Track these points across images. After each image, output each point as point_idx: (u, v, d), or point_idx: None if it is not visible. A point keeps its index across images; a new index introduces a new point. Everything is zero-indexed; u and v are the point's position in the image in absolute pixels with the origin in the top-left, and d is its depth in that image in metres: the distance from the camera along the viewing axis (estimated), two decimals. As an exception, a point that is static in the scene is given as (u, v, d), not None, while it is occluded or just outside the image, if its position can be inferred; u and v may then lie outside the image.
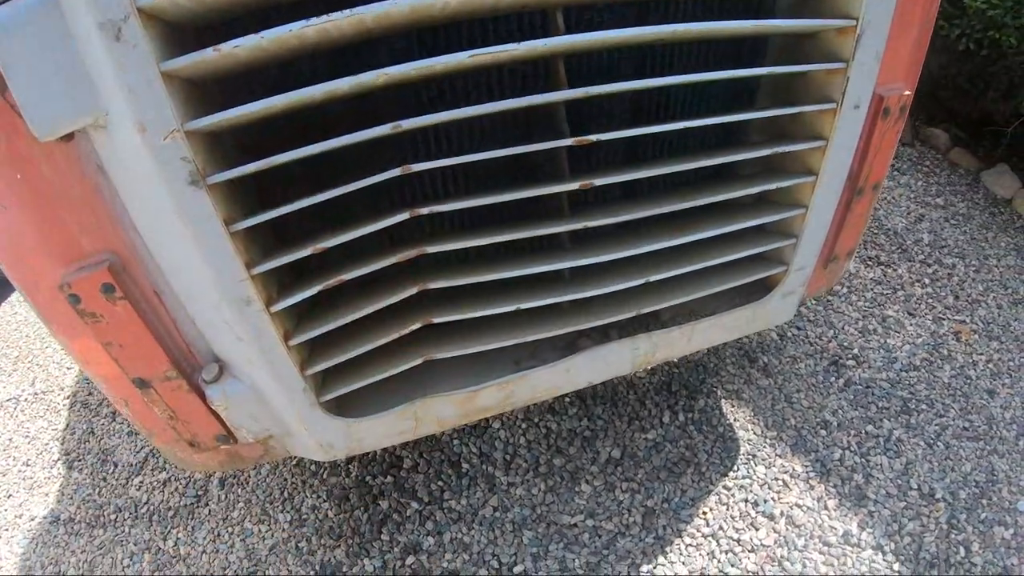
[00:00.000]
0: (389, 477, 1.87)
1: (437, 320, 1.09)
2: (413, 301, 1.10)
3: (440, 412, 1.20)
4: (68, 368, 2.72)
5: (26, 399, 2.64)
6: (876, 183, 1.39)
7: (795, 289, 1.35)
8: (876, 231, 2.74)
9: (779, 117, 1.18)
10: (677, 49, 1.15)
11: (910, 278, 2.50)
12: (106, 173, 0.91)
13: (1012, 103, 2.94)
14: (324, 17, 0.79)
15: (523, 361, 1.23)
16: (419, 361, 1.14)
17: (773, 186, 1.16)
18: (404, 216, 0.96)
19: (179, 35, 0.86)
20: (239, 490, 1.95)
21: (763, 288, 1.34)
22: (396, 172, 0.92)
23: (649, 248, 1.09)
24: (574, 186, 0.98)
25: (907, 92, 1.27)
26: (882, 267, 2.56)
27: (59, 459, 2.29)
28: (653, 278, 1.12)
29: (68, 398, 2.59)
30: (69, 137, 0.86)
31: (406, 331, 1.10)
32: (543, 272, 1.08)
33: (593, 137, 0.94)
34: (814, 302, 2.36)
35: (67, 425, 2.44)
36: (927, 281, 2.49)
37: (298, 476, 1.95)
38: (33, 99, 0.78)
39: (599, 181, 0.98)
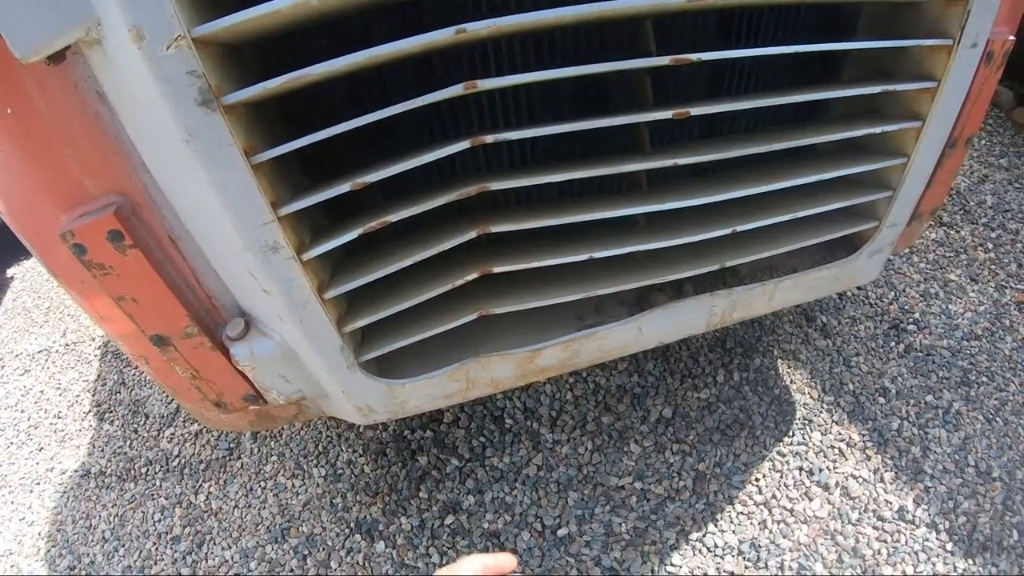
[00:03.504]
0: (428, 432, 1.80)
1: (497, 269, 0.97)
2: (469, 248, 0.97)
3: (496, 373, 1.10)
4: (97, 316, 2.68)
5: (57, 350, 2.62)
6: (970, 137, 1.27)
7: (884, 247, 1.23)
8: (945, 189, 2.60)
9: (881, 53, 1.06)
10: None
11: (973, 241, 2.37)
12: (107, 100, 0.77)
13: (1083, 60, 2.77)
14: None
15: (587, 317, 1.13)
16: (473, 316, 1.02)
17: (878, 130, 1.04)
18: (465, 145, 0.82)
19: None
20: (272, 443, 1.89)
21: (849, 245, 1.22)
22: (459, 89, 0.78)
23: (738, 193, 0.97)
24: (667, 114, 0.85)
25: (1011, 37, 1.14)
26: (944, 228, 2.43)
27: (90, 411, 2.26)
28: (740, 228, 1.01)
29: (99, 348, 2.56)
30: (60, 58, 0.71)
31: (460, 282, 0.98)
32: (617, 218, 0.96)
33: (694, 56, 0.81)
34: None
35: (98, 376, 2.41)
36: (990, 246, 2.36)
37: (333, 430, 1.88)
38: (9, 9, 0.63)
39: (696, 110, 0.86)
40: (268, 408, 1.19)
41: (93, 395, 2.31)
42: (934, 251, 2.33)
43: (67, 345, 2.62)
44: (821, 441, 1.72)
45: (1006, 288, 2.21)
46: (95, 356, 2.51)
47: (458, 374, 1.10)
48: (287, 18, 0.73)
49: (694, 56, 0.80)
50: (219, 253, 0.92)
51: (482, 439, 1.77)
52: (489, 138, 0.83)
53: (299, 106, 0.91)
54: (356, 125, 0.78)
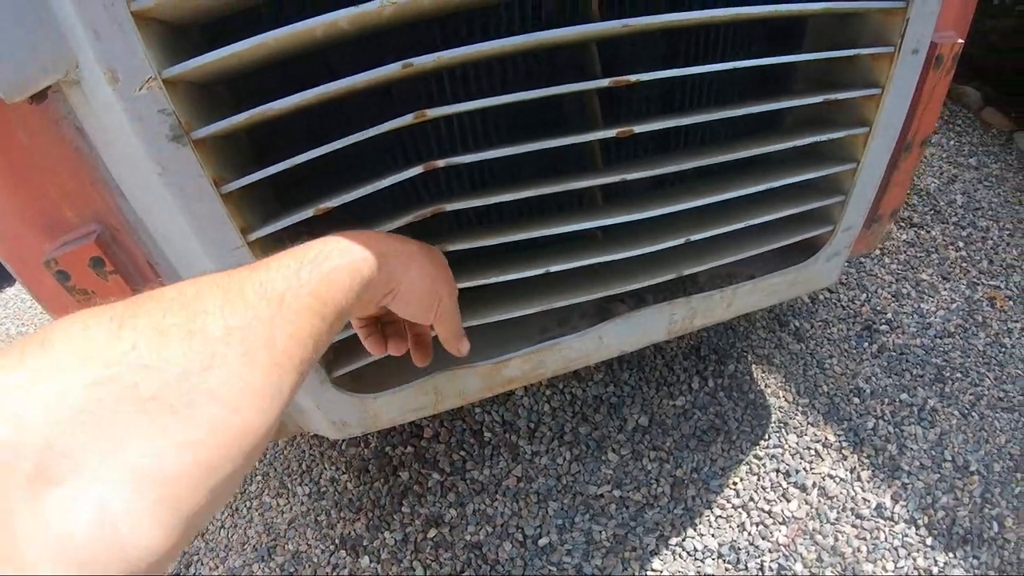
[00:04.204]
0: (409, 447, 1.82)
1: (457, 286, 1.00)
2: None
3: (462, 386, 1.13)
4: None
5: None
6: (924, 139, 1.30)
7: (841, 250, 1.26)
8: (909, 191, 2.64)
9: (827, 63, 1.09)
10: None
11: (944, 241, 2.41)
12: (86, 135, 0.82)
13: (1048, 60, 2.83)
14: None
15: (551, 328, 1.15)
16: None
17: (824, 137, 1.07)
18: (418, 170, 0.86)
19: None
20: (256, 463, 1.90)
21: (807, 250, 1.26)
22: (409, 119, 0.83)
23: (691, 204, 1.00)
24: (611, 133, 0.89)
25: (959, 40, 1.18)
26: (915, 229, 2.47)
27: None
28: (695, 237, 1.04)
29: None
30: (42, 97, 0.75)
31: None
32: (574, 232, 0.99)
33: (633, 77, 0.85)
34: (847, 264, 2.28)
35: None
36: (961, 244, 2.40)
37: (316, 448, 1.90)
38: None
39: (640, 128, 0.89)
40: (247, 424, 1.21)
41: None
42: (905, 252, 2.36)
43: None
44: (797, 443, 1.75)
45: (978, 285, 2.25)
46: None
47: (427, 387, 1.12)
48: (248, 59, 0.77)
49: (633, 77, 0.84)
50: (194, 275, 0.94)
51: (462, 453, 1.79)
52: (441, 163, 0.86)
53: (267, 137, 0.94)
54: (315, 155, 0.82)
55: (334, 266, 0.56)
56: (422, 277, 0.69)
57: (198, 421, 0.38)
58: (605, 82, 0.84)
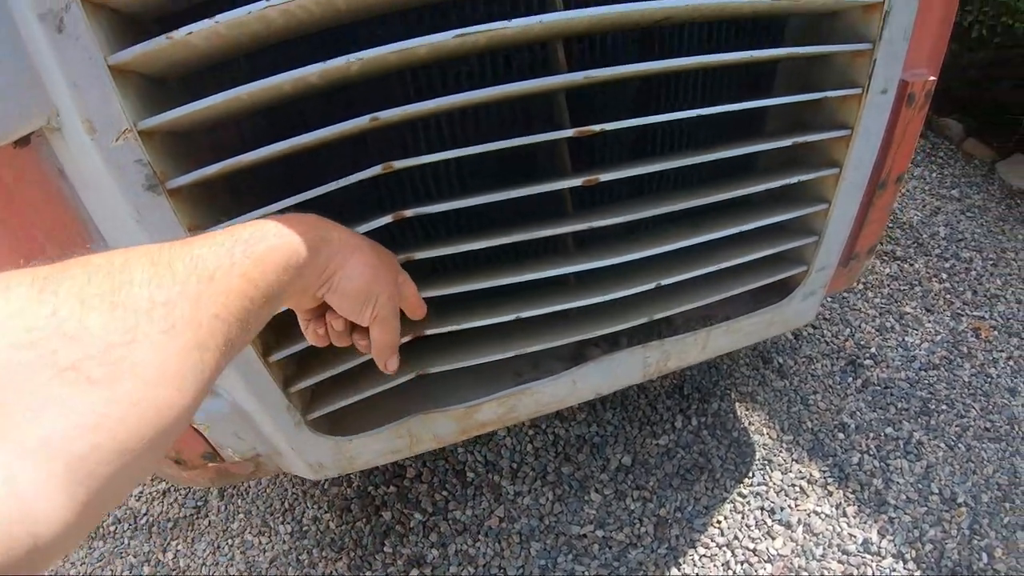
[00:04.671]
0: (392, 487, 1.81)
1: (429, 332, 1.00)
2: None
3: (437, 429, 1.12)
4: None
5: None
6: (899, 175, 1.31)
7: (816, 290, 1.27)
8: (891, 225, 2.66)
9: (798, 106, 1.10)
10: (687, 29, 1.07)
11: (927, 273, 2.42)
12: (67, 177, 0.83)
13: (1027, 91, 2.87)
14: None
15: (525, 372, 1.15)
16: (412, 376, 1.06)
17: (794, 180, 1.08)
18: (387, 220, 0.87)
19: (136, 26, 0.78)
20: (239, 501, 1.89)
21: (782, 290, 1.26)
22: (377, 170, 0.84)
23: (661, 250, 1.01)
24: (577, 182, 0.89)
25: (931, 77, 1.19)
26: (898, 262, 2.48)
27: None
28: (666, 281, 1.04)
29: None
30: (25, 142, 0.78)
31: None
32: (546, 277, 1.00)
33: (597, 127, 0.86)
34: (830, 299, 2.29)
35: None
36: (944, 276, 2.42)
37: (299, 486, 1.88)
38: None
39: (605, 176, 0.90)
40: (226, 465, 1.21)
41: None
42: (888, 285, 2.37)
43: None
44: (782, 480, 1.74)
45: (962, 316, 2.26)
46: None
47: (401, 430, 1.12)
48: (222, 111, 0.79)
49: (598, 127, 0.85)
50: None
51: (444, 493, 1.78)
52: (409, 212, 0.86)
53: (244, 182, 0.95)
54: (289, 204, 0.83)
55: (269, 246, 0.54)
56: (362, 271, 0.67)
57: (117, 395, 0.37)
58: (570, 132, 0.85)
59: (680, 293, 1.12)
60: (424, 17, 0.92)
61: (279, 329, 1.03)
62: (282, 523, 1.80)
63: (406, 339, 1.00)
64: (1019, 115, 2.92)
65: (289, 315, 0.87)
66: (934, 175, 2.95)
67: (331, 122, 0.81)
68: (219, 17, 0.70)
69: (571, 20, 0.81)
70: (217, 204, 0.91)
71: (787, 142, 1.05)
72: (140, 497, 1.98)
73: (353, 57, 0.76)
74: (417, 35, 0.89)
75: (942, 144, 3.15)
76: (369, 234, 0.88)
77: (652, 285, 1.03)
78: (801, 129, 1.17)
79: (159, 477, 1.99)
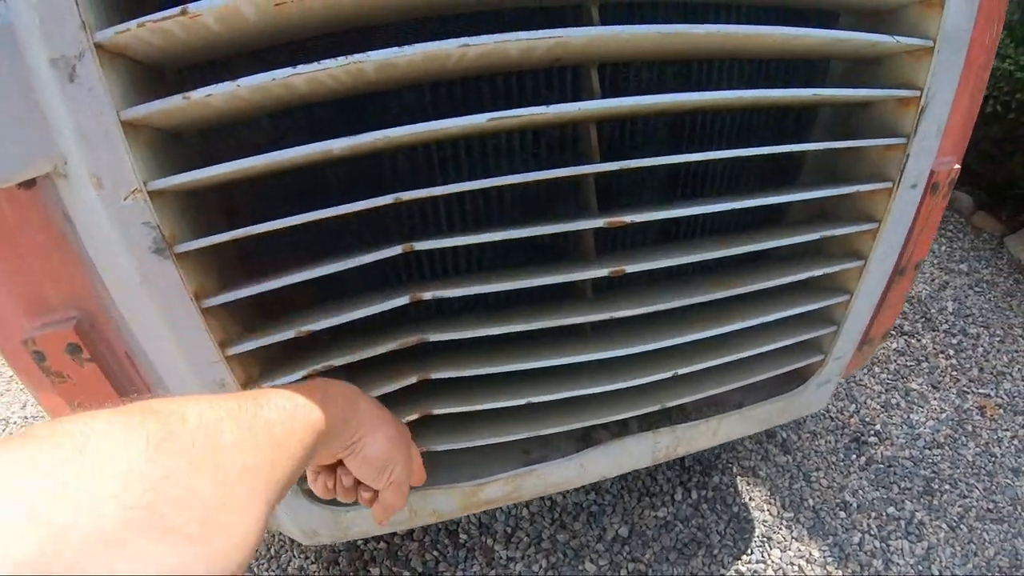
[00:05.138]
0: (382, 543, 1.75)
1: (437, 412, 0.97)
2: (411, 388, 0.98)
3: (438, 504, 1.08)
4: (53, 396, 2.62)
5: (16, 422, 2.54)
6: (919, 262, 1.29)
7: (831, 378, 1.24)
8: (898, 301, 2.65)
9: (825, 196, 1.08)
10: (719, 115, 1.05)
11: (934, 349, 2.40)
12: (72, 222, 0.79)
13: (1039, 166, 2.87)
14: (316, 64, 0.67)
15: (533, 451, 1.12)
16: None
17: (819, 272, 1.06)
18: (403, 300, 0.85)
19: (153, 76, 0.75)
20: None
21: (797, 378, 1.23)
22: (397, 250, 0.82)
23: (680, 340, 0.98)
24: (603, 272, 0.87)
25: (957, 166, 1.17)
26: (906, 337, 2.46)
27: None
28: (683, 371, 1.01)
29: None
30: (30, 184, 0.74)
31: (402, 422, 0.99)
32: (562, 327, 0.96)
33: (627, 219, 0.83)
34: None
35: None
36: (951, 352, 2.39)
37: (286, 535, 1.82)
38: None
39: (631, 268, 0.88)
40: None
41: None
42: (895, 361, 2.35)
43: (26, 418, 2.55)
44: (780, 558, 1.70)
45: (968, 393, 2.23)
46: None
47: (401, 505, 1.08)
48: (238, 175, 0.76)
49: (627, 219, 0.82)
50: (171, 377, 0.92)
51: (436, 553, 1.72)
52: (427, 295, 0.84)
53: (255, 245, 0.92)
54: (302, 279, 0.81)
55: (318, 417, 0.61)
56: (384, 443, 0.74)
57: (207, 552, 0.41)
58: (600, 222, 0.83)
59: (696, 382, 1.09)
60: (454, 89, 0.89)
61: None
62: (267, 570, 1.75)
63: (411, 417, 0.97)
64: (1030, 190, 2.93)
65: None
66: (943, 248, 2.94)
67: (351, 188, 0.80)
68: (241, 80, 0.68)
69: (608, 108, 0.79)
70: (225, 268, 0.88)
71: (815, 236, 1.03)
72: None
73: (380, 135, 0.74)
74: (445, 104, 0.88)
75: (952, 217, 3.15)
76: (384, 313, 0.85)
77: (669, 374, 1.00)
78: (826, 218, 1.15)
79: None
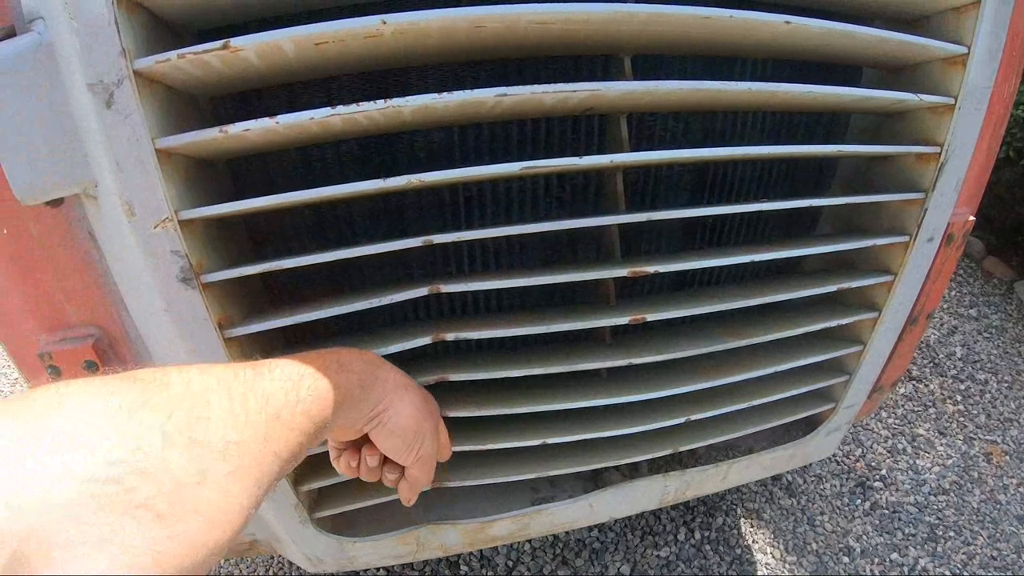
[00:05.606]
0: (381, 570, 1.75)
1: (452, 448, 0.98)
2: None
3: (446, 540, 1.08)
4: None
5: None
6: (931, 312, 1.29)
7: (841, 426, 1.24)
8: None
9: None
10: (742, 165, 1.06)
11: (942, 394, 2.40)
12: (97, 242, 0.80)
13: (1050, 213, 2.88)
14: (354, 106, 0.68)
15: (542, 488, 1.12)
16: (427, 488, 1.02)
17: (834, 323, 1.06)
18: (426, 341, 0.85)
19: (187, 103, 0.76)
20: (225, 564, 1.83)
21: (807, 425, 1.23)
22: (424, 291, 0.83)
23: (694, 388, 0.99)
24: (623, 320, 0.88)
25: (971, 218, 1.18)
26: (914, 382, 2.45)
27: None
28: (696, 416, 1.02)
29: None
30: (58, 203, 0.74)
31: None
32: (577, 371, 0.96)
33: (651, 269, 0.84)
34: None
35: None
36: (959, 398, 2.39)
37: (285, 558, 1.82)
38: (15, 159, 0.67)
39: (652, 316, 0.88)
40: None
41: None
42: (903, 406, 2.34)
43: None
44: (782, 603, 1.69)
45: (974, 440, 2.22)
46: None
47: (408, 538, 1.08)
48: (270, 208, 0.76)
49: (650, 269, 0.83)
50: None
51: (436, 583, 1.72)
52: (450, 336, 0.84)
53: (280, 277, 0.93)
54: (331, 314, 0.81)
55: (330, 384, 0.57)
56: (412, 412, 0.69)
57: (178, 532, 0.39)
58: (623, 271, 0.84)
59: (709, 427, 1.10)
60: (482, 131, 0.91)
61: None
62: (263, 593, 1.75)
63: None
64: (1040, 235, 2.94)
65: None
66: (953, 293, 2.94)
67: (376, 220, 0.80)
68: (280, 118, 0.68)
69: (639, 160, 0.80)
70: (250, 299, 0.89)
71: (831, 288, 1.03)
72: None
73: (416, 178, 0.74)
74: (472, 143, 0.89)
75: (962, 261, 3.15)
76: (404, 352, 0.86)
77: (682, 420, 1.00)
78: (842, 266, 1.15)
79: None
